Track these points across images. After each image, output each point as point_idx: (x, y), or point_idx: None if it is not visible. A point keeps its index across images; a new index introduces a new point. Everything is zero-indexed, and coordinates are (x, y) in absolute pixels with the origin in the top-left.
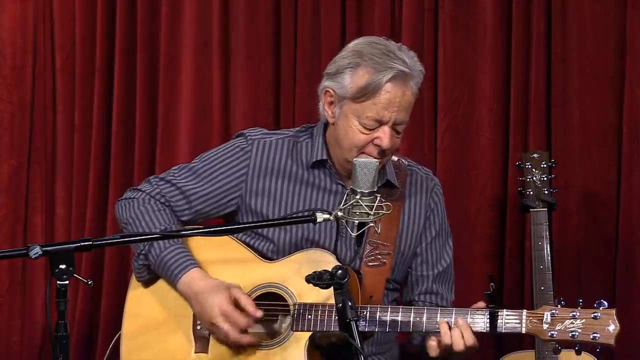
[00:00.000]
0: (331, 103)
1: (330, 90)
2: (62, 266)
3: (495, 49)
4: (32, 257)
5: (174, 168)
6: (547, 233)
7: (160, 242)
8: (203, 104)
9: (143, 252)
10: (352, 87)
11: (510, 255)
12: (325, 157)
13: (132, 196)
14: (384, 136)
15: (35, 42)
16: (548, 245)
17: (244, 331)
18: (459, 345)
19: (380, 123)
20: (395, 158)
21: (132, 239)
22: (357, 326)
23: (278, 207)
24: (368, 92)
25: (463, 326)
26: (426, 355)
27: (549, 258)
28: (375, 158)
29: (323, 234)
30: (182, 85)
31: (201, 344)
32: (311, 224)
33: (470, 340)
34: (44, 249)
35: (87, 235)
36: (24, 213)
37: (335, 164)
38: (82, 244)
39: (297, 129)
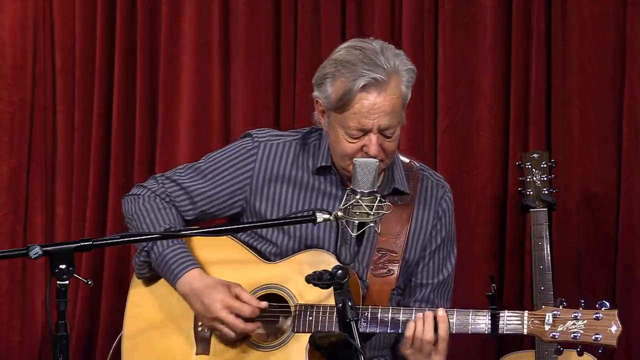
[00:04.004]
0: (322, 112)
1: (319, 100)
2: (62, 266)
3: (495, 49)
4: (32, 257)
5: (180, 167)
6: (547, 233)
7: (164, 240)
8: (203, 104)
9: (146, 248)
10: (333, 98)
11: (510, 255)
12: (329, 164)
13: (138, 192)
14: (371, 144)
15: (35, 42)
16: (548, 245)
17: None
18: (427, 334)
19: (364, 132)
20: (406, 160)
21: (132, 239)
22: (357, 326)
23: (282, 212)
24: (345, 102)
25: (427, 316)
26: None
27: (549, 258)
28: None
29: (327, 239)
30: (182, 85)
31: (202, 345)
32: (315, 230)
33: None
34: (44, 249)
35: (87, 235)
36: (24, 213)
37: (339, 169)
38: (82, 244)
39: (306, 129)
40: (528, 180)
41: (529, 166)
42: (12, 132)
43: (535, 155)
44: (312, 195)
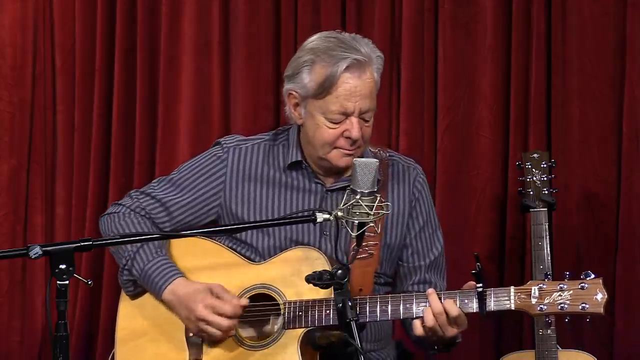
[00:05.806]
0: (296, 105)
1: (293, 92)
2: (62, 266)
3: (495, 49)
4: (32, 257)
5: (154, 181)
6: (547, 233)
7: (143, 256)
8: (203, 104)
9: (126, 267)
10: (311, 85)
11: (510, 255)
12: (300, 158)
13: (113, 211)
14: (352, 127)
15: (35, 42)
16: (548, 245)
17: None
18: (448, 331)
19: (346, 115)
20: (374, 149)
21: (132, 238)
22: (357, 326)
23: (259, 211)
24: (327, 86)
25: (451, 309)
26: (417, 339)
27: (549, 258)
28: (348, 150)
29: (306, 234)
30: (182, 85)
31: (195, 350)
32: (295, 227)
33: (460, 321)
34: (44, 249)
35: (87, 235)
36: (24, 213)
37: (310, 163)
38: (82, 244)
39: (273, 132)
40: (528, 180)
41: (529, 166)
42: (12, 132)
43: (535, 155)
44: (287, 192)
